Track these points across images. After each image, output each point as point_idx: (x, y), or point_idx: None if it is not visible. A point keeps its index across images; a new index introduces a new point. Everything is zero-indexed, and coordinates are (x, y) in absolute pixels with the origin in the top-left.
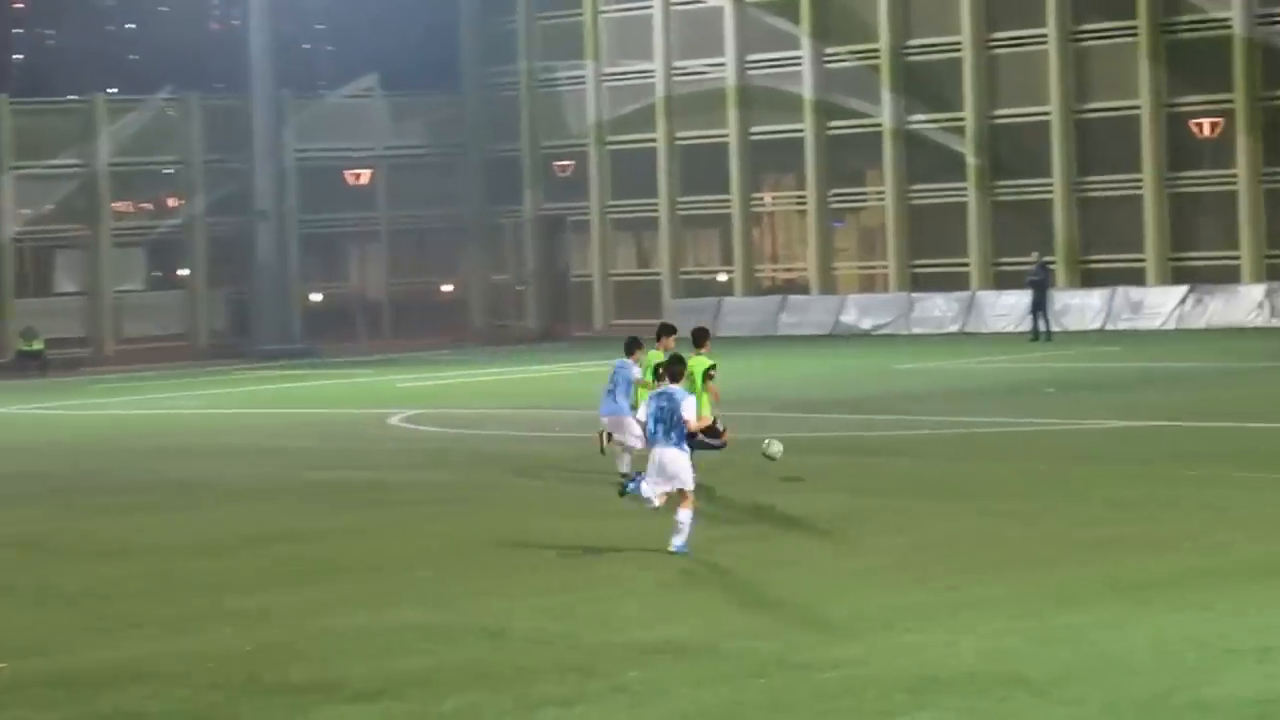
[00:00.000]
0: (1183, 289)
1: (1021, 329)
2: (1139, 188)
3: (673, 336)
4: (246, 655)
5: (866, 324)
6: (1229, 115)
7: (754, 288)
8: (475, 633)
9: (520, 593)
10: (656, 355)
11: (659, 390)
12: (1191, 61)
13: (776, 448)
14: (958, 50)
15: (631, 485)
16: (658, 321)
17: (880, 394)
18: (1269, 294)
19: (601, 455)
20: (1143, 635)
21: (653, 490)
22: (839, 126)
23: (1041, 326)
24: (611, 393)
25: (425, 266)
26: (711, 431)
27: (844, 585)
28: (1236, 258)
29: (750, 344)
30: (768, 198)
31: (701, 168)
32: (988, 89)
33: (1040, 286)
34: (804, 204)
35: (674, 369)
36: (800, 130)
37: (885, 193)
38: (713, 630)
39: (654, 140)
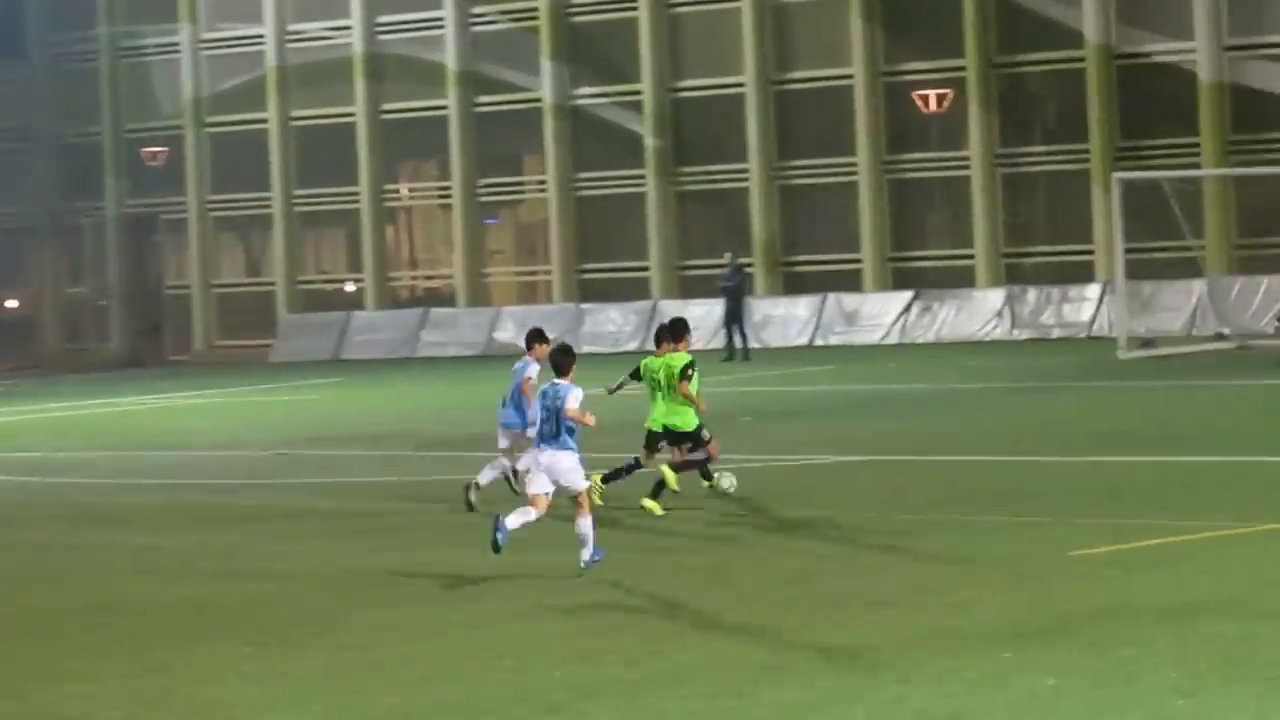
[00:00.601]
0: (906, 295)
1: (714, 346)
2: (853, 174)
3: (685, 338)
4: None
5: None
6: (959, 85)
7: (389, 299)
8: None
9: (109, 674)
10: (682, 357)
11: (546, 386)
12: (913, 21)
13: (729, 481)
14: (633, 9)
15: (498, 535)
16: (269, 342)
17: None
18: (1009, 300)
19: (515, 493)
20: (864, 713)
21: (518, 519)
22: (490, 102)
23: (737, 343)
24: (510, 401)
25: None
26: (695, 442)
27: (481, 659)
28: (970, 257)
29: (385, 368)
30: (404, 190)
31: (323, 154)
32: (669, 56)
33: (735, 294)
34: (448, 197)
35: (560, 361)
36: (443, 107)
37: (547, 182)
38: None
39: (265, 121)
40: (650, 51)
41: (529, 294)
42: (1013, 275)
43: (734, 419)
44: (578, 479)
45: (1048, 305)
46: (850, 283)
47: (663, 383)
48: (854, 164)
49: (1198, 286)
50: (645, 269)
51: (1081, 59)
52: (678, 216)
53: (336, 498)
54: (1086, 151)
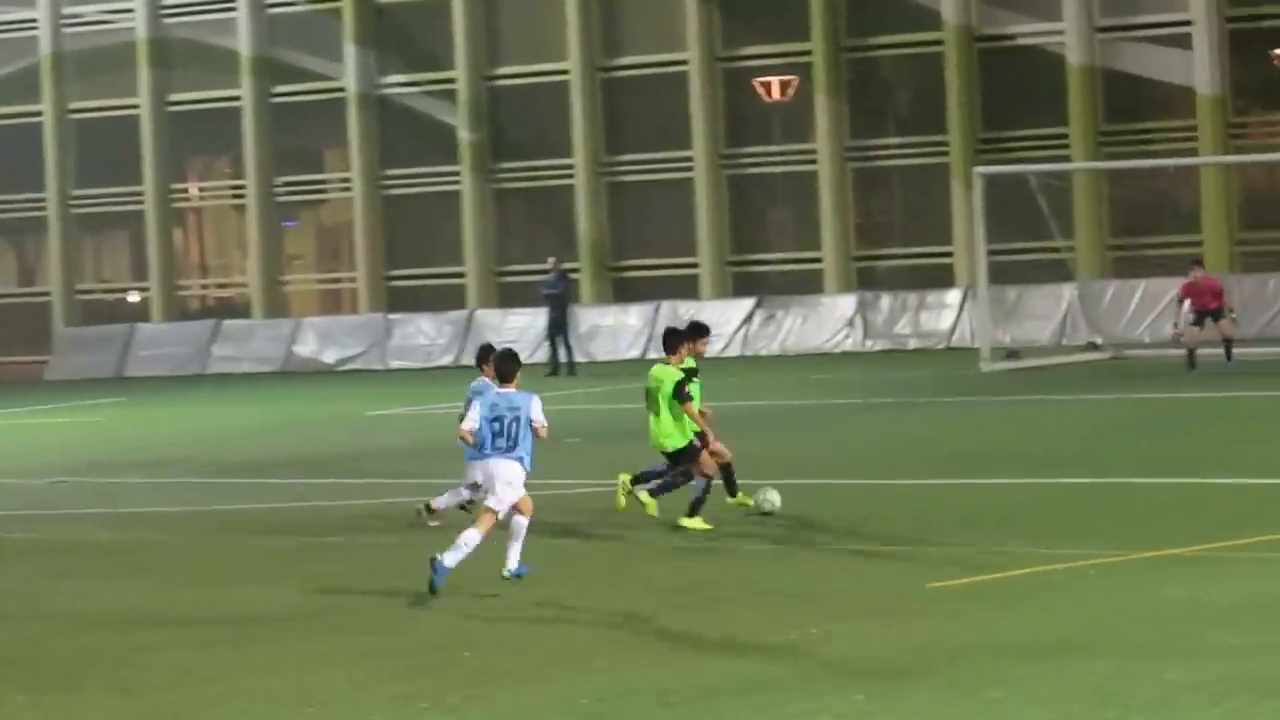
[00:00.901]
0: (748, 303)
1: (537, 359)
2: (688, 169)
3: (704, 339)
4: None
5: (330, 357)
6: (804, 71)
7: (177, 310)
8: None
9: None
10: (678, 371)
11: (494, 395)
12: (755, 1)
13: (774, 498)
14: None
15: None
16: (44, 359)
17: (349, 451)
18: (861, 308)
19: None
20: None
21: (456, 556)
22: (288, 92)
23: (562, 356)
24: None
25: None
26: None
27: (283, 707)
28: (818, 260)
29: (173, 385)
30: (194, 189)
31: (104, 149)
32: (486, 40)
33: (559, 303)
34: (242, 196)
35: (504, 367)
36: (236, 98)
37: (351, 180)
38: None
39: (39, 113)
40: (465, 35)
41: (332, 303)
42: (865, 280)
43: (560, 440)
44: (512, 494)
45: (903, 313)
46: (686, 289)
47: (654, 397)
48: (690, 158)
49: (1067, 291)
50: (460, 275)
51: (939, 42)
52: (496, 217)
53: (121, 529)
54: (945, 143)
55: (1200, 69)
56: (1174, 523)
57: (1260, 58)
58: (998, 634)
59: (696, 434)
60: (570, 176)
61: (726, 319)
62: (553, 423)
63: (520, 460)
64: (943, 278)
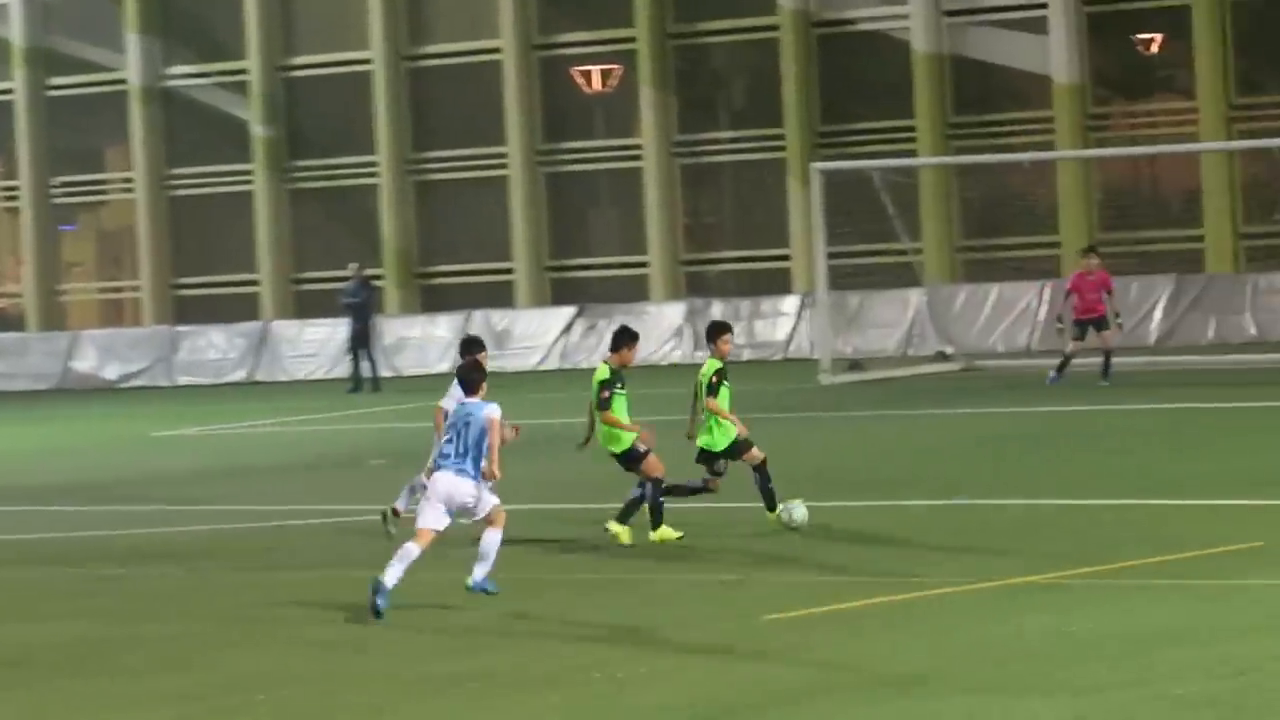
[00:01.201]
0: (568, 312)
1: (337, 374)
2: (502, 167)
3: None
4: None
5: (111, 373)
6: (628, 60)
7: None
8: None
9: None
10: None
11: (459, 402)
12: None
13: (801, 514)
14: None
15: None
16: None
17: (132, 476)
18: (690, 316)
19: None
20: None
21: (396, 574)
22: (65, 85)
23: (365, 370)
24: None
25: None
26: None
27: None
28: (644, 265)
29: None
30: None
31: None
32: (280, 28)
33: (362, 313)
34: (15, 199)
35: (472, 378)
36: (8, 90)
37: (134, 180)
38: None
39: None
40: (257, 22)
41: (114, 314)
42: (695, 286)
43: (363, 462)
44: (483, 505)
45: (736, 322)
46: (500, 297)
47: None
48: (504, 155)
49: (914, 297)
50: (254, 283)
51: (774, 27)
52: (292, 220)
53: None
54: (781, 138)
55: (1057, 55)
56: (1032, 548)
57: (1121, 43)
58: (840, 671)
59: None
60: (374, 175)
61: (544, 329)
62: (355, 443)
63: (469, 476)
64: (779, 283)
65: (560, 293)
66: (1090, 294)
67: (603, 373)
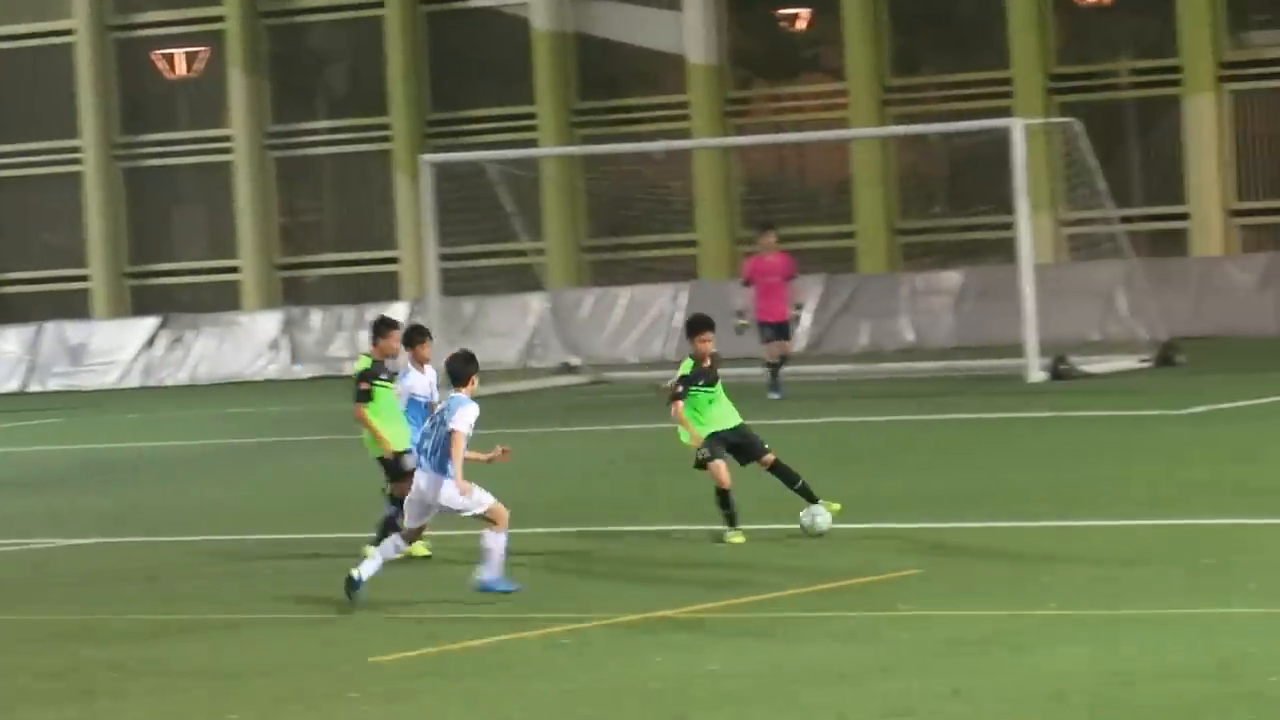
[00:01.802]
0: (151, 323)
1: None
2: (75, 161)
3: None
4: None
5: None
6: (216, 41)
7: None
8: None
9: None
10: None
11: (451, 396)
12: None
13: (825, 521)
14: None
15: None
16: None
17: None
18: (288, 326)
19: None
20: None
21: (371, 566)
22: None
23: None
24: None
25: None
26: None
27: None
28: (235, 270)
29: None
30: None
31: None
32: None
33: None
34: None
35: (461, 370)
36: None
37: None
38: None
39: None
40: None
41: None
42: (292, 293)
43: None
44: (471, 501)
45: (339, 332)
46: (75, 307)
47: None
48: (77, 149)
49: (536, 303)
50: None
51: (379, 4)
52: None
53: None
54: (387, 126)
55: (692, 34)
56: (665, 580)
57: (762, 19)
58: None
59: None
60: None
61: (123, 343)
62: None
63: (449, 474)
64: (386, 288)
65: (142, 302)
66: (770, 280)
67: (364, 363)
